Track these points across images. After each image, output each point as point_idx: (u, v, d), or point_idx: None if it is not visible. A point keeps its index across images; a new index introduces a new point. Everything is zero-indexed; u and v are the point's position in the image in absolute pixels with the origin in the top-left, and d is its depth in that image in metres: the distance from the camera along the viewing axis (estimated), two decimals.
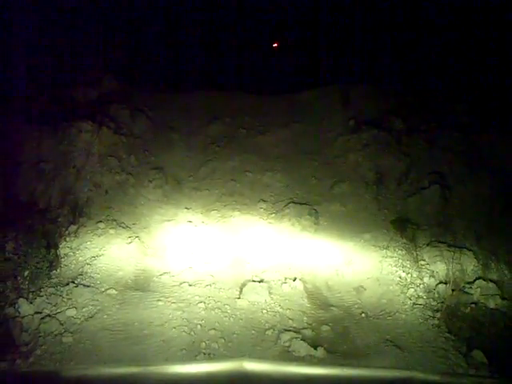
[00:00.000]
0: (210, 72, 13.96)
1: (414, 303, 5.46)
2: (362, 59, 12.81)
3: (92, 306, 5.08)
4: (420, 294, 5.62)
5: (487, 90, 9.69)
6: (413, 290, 5.68)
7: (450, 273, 5.74)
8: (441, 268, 5.89)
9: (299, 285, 5.81)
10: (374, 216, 7.34)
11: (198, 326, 4.82)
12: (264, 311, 5.23)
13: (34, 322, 4.68)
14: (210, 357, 4.35)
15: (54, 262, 5.58)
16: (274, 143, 9.82)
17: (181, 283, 5.71)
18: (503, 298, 5.30)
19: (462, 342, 4.76)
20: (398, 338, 4.87)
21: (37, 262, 5.20)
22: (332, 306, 5.55)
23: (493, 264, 5.83)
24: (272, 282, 5.81)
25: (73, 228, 6.51)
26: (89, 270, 5.77)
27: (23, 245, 5.38)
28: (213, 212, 7.60)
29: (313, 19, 15.25)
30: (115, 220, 6.93)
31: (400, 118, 9.31)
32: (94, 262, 5.97)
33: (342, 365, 4.32)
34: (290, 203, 7.66)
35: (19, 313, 4.74)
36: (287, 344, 4.60)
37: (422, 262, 6.12)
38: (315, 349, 4.49)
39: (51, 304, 4.98)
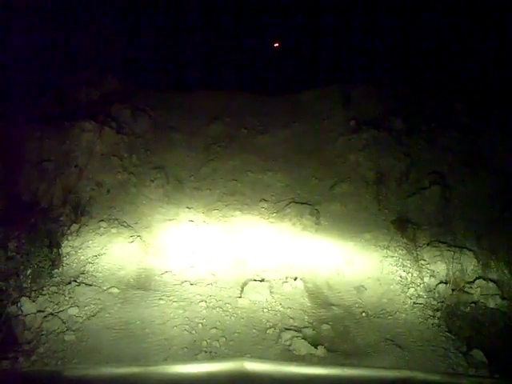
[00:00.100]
0: (211, 72, 13.98)
1: (414, 302, 5.49)
2: (362, 59, 12.83)
3: (94, 304, 5.10)
4: (420, 293, 5.64)
5: (487, 90, 9.71)
6: (413, 289, 5.70)
7: (450, 272, 5.76)
8: (441, 268, 5.91)
9: (300, 284, 5.83)
10: (375, 216, 7.37)
11: (200, 325, 4.84)
12: (265, 310, 5.25)
13: (37, 321, 4.70)
14: (211, 355, 4.37)
15: (56, 261, 5.59)
16: (275, 143, 9.85)
17: (182, 282, 5.73)
18: (503, 298, 5.32)
19: (462, 341, 4.78)
20: (398, 337, 4.90)
21: (39, 261, 5.20)
22: (333, 305, 5.58)
23: (493, 264, 5.85)
24: (273, 281, 5.84)
25: (75, 227, 6.54)
26: (91, 269, 5.80)
27: (26, 244, 5.39)
28: (214, 211, 7.63)
29: (313, 19, 15.27)
30: (117, 219, 6.96)
31: (400, 118, 9.34)
32: (96, 260, 5.99)
33: (342, 364, 4.33)
34: (290, 203, 7.69)
35: (22, 311, 4.76)
36: (288, 343, 4.62)
37: (423, 262, 6.14)
38: (316, 347, 4.52)
39: (53, 302, 5.00)
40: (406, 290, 5.72)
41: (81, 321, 4.80)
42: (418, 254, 6.26)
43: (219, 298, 5.43)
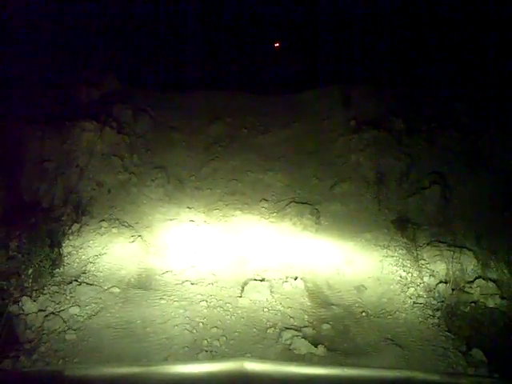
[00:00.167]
0: (212, 72, 13.99)
1: (414, 302, 5.50)
2: (362, 59, 12.84)
3: (95, 304, 5.12)
4: (420, 293, 5.66)
5: (487, 90, 9.72)
6: (413, 289, 5.72)
7: (450, 272, 5.78)
8: (441, 267, 5.93)
9: (300, 284, 5.85)
10: (375, 216, 7.38)
11: (200, 324, 4.86)
12: (265, 310, 5.27)
13: (38, 320, 4.73)
14: (212, 354, 4.39)
15: (57, 261, 5.61)
16: (276, 143, 9.87)
17: (183, 282, 5.75)
18: (503, 298, 5.33)
19: (462, 340, 4.79)
20: (398, 336, 4.91)
21: (40, 261, 5.22)
22: (333, 304, 5.59)
23: (492, 263, 5.86)
24: (273, 280, 5.86)
25: (76, 227, 6.56)
26: (92, 269, 5.82)
27: (27, 243, 5.41)
28: (215, 211, 7.65)
29: (314, 19, 15.29)
30: (118, 219, 6.98)
31: (400, 118, 9.34)
32: (97, 260, 6.01)
33: (342, 364, 4.35)
34: (291, 203, 7.70)
35: (23, 310, 4.79)
36: (288, 342, 4.64)
37: (423, 262, 6.15)
38: (316, 347, 4.53)
39: (55, 302, 5.03)
40: (406, 289, 5.73)
41: (82, 320, 4.83)
42: (418, 254, 6.28)
43: (220, 297, 5.45)
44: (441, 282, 5.73)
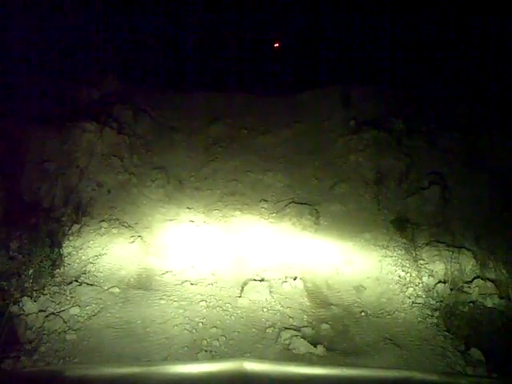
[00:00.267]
0: (212, 73, 14.01)
1: (413, 302, 5.52)
2: (362, 60, 12.86)
3: (95, 304, 5.14)
4: (419, 293, 5.67)
5: (487, 91, 9.73)
6: (412, 289, 5.74)
7: (449, 272, 5.80)
8: (440, 267, 5.95)
9: (299, 284, 5.87)
10: (374, 216, 7.40)
11: (200, 324, 4.88)
12: (265, 310, 5.29)
13: (38, 320, 4.74)
14: (212, 354, 4.41)
15: (57, 261, 5.63)
16: (275, 143, 9.89)
17: (183, 282, 5.77)
18: (501, 297, 5.35)
19: (460, 340, 4.81)
20: (396, 336, 4.93)
21: (41, 261, 5.24)
22: (332, 304, 5.61)
23: (491, 263, 5.88)
24: (273, 280, 5.88)
25: (76, 227, 6.58)
26: (92, 269, 5.84)
27: (27, 244, 5.44)
28: (214, 212, 7.67)
29: (314, 19, 15.30)
30: (118, 219, 7.00)
31: (400, 118, 9.37)
32: (97, 260, 6.04)
33: (341, 364, 4.36)
34: (290, 203, 7.73)
35: (23, 311, 4.80)
36: (287, 342, 4.65)
37: (421, 262, 6.17)
38: (315, 347, 4.55)
39: (55, 302, 5.04)
40: (405, 289, 5.75)
41: (82, 320, 4.85)
42: (416, 254, 6.30)
43: (219, 297, 5.47)
44: (439, 281, 5.75)
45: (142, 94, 11.14)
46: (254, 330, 4.91)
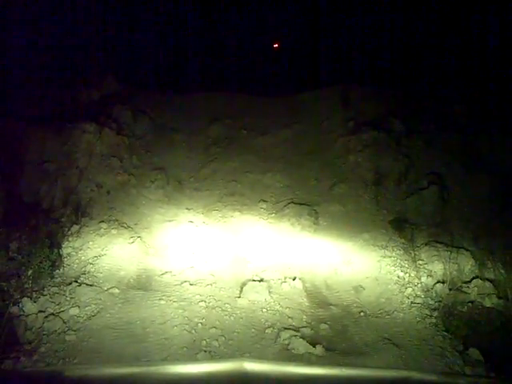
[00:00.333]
0: (211, 73, 14.03)
1: (411, 302, 5.53)
2: (361, 61, 12.88)
3: (95, 304, 5.15)
4: (418, 293, 5.68)
5: (486, 91, 9.75)
6: (411, 289, 5.75)
7: (448, 272, 5.81)
8: (438, 268, 5.96)
9: (299, 284, 5.89)
10: (373, 216, 7.41)
11: (199, 325, 4.89)
12: (264, 310, 5.30)
13: (38, 321, 4.76)
14: (211, 354, 4.42)
15: (57, 262, 5.65)
16: (275, 144, 9.90)
17: (182, 282, 5.78)
18: (499, 297, 5.36)
19: (459, 340, 4.83)
20: (395, 336, 4.94)
21: (40, 262, 5.25)
22: (331, 304, 5.63)
23: (489, 264, 5.89)
24: (272, 281, 5.89)
25: (75, 228, 6.59)
26: (91, 270, 5.85)
27: (27, 244, 5.45)
28: (214, 212, 7.68)
29: (313, 20, 15.33)
30: (117, 220, 7.01)
31: (399, 119, 9.39)
32: (97, 261, 6.04)
33: (340, 364, 4.38)
34: (289, 203, 7.73)
35: (23, 311, 4.82)
36: (286, 342, 4.67)
37: (420, 262, 6.19)
38: (314, 347, 4.56)
39: (54, 303, 5.06)
40: (404, 289, 5.76)
41: (82, 321, 4.86)
42: (415, 254, 6.31)
43: (218, 298, 5.49)
44: (438, 282, 5.76)
45: (141, 94, 11.15)
46: (253, 330, 4.92)
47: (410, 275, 5.97)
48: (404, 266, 6.14)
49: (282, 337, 4.75)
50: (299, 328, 4.96)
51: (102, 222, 6.87)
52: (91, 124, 8.35)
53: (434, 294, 5.61)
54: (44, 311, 4.90)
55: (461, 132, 8.87)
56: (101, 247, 6.34)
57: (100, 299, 5.27)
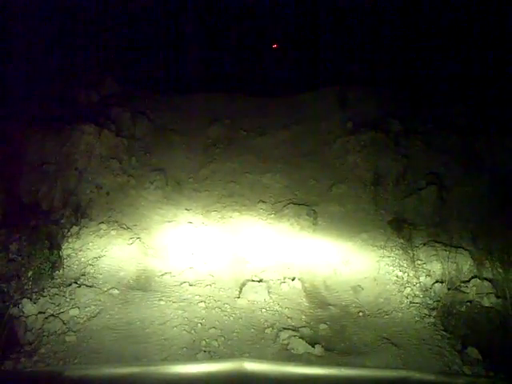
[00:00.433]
0: (210, 74, 14.05)
1: (410, 302, 5.55)
2: (360, 61, 12.91)
3: (94, 305, 5.17)
4: (416, 292, 5.70)
5: (484, 91, 9.78)
6: (409, 289, 5.76)
7: (446, 272, 5.82)
8: (437, 267, 5.97)
9: (298, 284, 5.90)
10: (372, 216, 7.42)
11: (199, 325, 4.91)
12: (263, 310, 5.32)
13: (38, 322, 4.77)
14: (211, 355, 4.44)
15: (56, 263, 5.65)
16: (274, 145, 9.92)
17: (181, 283, 5.80)
18: (498, 297, 5.37)
19: (457, 339, 4.84)
20: (394, 335, 4.96)
21: (40, 263, 5.26)
22: (330, 304, 5.65)
23: (488, 263, 5.90)
24: (271, 281, 5.91)
25: (75, 229, 6.61)
26: (91, 271, 5.87)
27: (27, 246, 5.46)
28: (213, 213, 7.69)
29: (311, 20, 15.34)
30: (116, 221, 7.03)
31: (397, 119, 9.41)
32: (96, 262, 6.06)
33: (339, 364, 4.40)
34: (289, 204, 7.75)
35: (23, 313, 4.84)
36: (286, 342, 4.68)
37: (419, 262, 6.20)
38: (313, 347, 4.58)
39: (54, 304, 5.07)
40: (403, 289, 5.78)
41: (81, 322, 4.88)
42: (414, 254, 6.32)
43: (218, 298, 5.50)
44: (437, 281, 5.77)
45: (140, 96, 11.17)
46: (252, 330, 4.94)
47: (408, 275, 5.99)
48: (403, 266, 6.16)
49: (281, 337, 4.77)
50: (298, 328, 4.98)
51: (102, 223, 6.88)
52: (90, 125, 8.37)
53: (433, 294, 5.62)
54: (44, 312, 4.92)
55: (459, 132, 8.89)
56: (100, 248, 6.35)
57: (100, 300, 5.28)
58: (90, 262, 6.04)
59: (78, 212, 6.93)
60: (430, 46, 12.26)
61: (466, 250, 6.20)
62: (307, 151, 9.60)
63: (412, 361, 4.50)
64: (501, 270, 5.71)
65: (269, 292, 5.63)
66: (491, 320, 5.04)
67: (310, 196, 8.16)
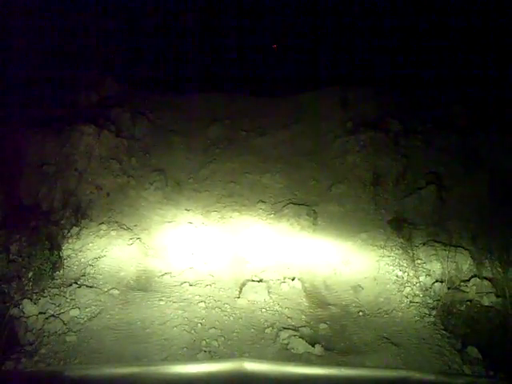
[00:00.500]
0: (210, 74, 14.05)
1: (410, 301, 5.55)
2: (360, 61, 12.91)
3: (95, 306, 5.18)
4: (416, 292, 5.70)
5: (484, 91, 9.78)
6: (409, 288, 5.77)
7: (446, 271, 5.82)
8: (437, 267, 5.97)
9: (298, 284, 5.91)
10: (372, 216, 7.43)
11: (199, 325, 4.92)
12: (263, 310, 5.33)
13: (39, 322, 4.78)
14: (211, 354, 4.45)
15: (57, 264, 5.67)
16: (273, 145, 9.93)
17: (181, 283, 5.81)
18: (497, 296, 5.37)
19: (457, 338, 4.85)
20: (394, 335, 4.97)
21: (40, 264, 5.27)
22: (330, 304, 5.66)
23: (488, 262, 5.90)
24: (271, 281, 5.92)
25: (75, 230, 6.62)
26: (91, 271, 5.88)
27: (27, 247, 5.48)
28: (213, 213, 7.70)
29: (312, 21, 15.35)
30: (117, 222, 7.04)
31: (397, 119, 9.41)
32: (97, 263, 6.07)
33: (339, 364, 4.41)
34: (288, 204, 7.76)
35: (24, 313, 4.84)
36: (286, 342, 4.69)
37: (419, 261, 6.20)
38: (313, 346, 4.59)
39: (55, 304, 5.08)
40: (403, 289, 5.78)
41: (82, 322, 4.89)
42: (414, 254, 6.33)
43: (218, 298, 5.51)
44: (437, 281, 5.78)
45: (140, 96, 11.18)
46: (252, 330, 4.95)
47: (408, 274, 5.99)
48: (402, 266, 6.16)
49: (281, 337, 4.77)
50: (298, 328, 4.99)
51: (102, 223, 6.90)
52: (90, 126, 8.37)
53: (433, 293, 5.62)
54: (44, 313, 4.93)
55: (459, 131, 8.89)
56: (100, 249, 6.36)
57: (100, 300, 5.30)
58: (90, 263, 6.05)
59: (78, 213, 6.95)
60: (430, 46, 12.26)
61: (465, 249, 6.20)
62: (307, 151, 9.61)
63: (412, 360, 4.51)
64: (500, 270, 5.72)
65: (269, 292, 5.64)
66: (491, 319, 5.03)
67: (310, 196, 8.17)
